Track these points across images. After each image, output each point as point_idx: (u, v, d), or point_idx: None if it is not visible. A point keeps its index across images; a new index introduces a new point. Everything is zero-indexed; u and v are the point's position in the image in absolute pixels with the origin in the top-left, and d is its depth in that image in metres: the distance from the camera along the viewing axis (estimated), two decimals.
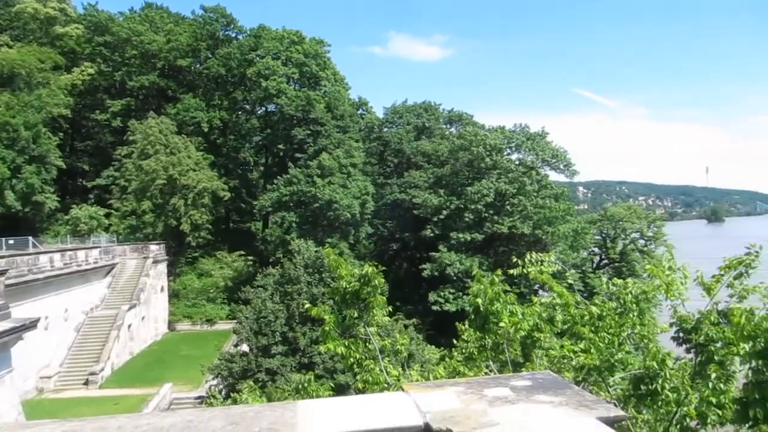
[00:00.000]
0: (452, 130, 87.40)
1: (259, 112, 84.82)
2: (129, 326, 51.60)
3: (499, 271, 9.27)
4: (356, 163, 70.38)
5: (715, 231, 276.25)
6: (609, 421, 3.05)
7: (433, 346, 38.36)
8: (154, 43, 76.86)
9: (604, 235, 69.60)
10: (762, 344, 6.18)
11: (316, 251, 39.10)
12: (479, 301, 8.53)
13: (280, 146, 79.65)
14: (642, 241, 68.24)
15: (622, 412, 3.58)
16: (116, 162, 68.17)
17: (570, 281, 10.84)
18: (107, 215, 65.65)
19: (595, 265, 69.52)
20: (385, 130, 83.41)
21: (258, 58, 76.86)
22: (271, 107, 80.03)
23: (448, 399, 3.46)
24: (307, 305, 10.83)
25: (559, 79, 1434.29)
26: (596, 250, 70.90)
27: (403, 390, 3.77)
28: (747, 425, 6.64)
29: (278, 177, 70.59)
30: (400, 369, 11.05)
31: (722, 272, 8.16)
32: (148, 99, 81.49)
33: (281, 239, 64.17)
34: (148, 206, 62.86)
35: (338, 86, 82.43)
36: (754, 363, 6.31)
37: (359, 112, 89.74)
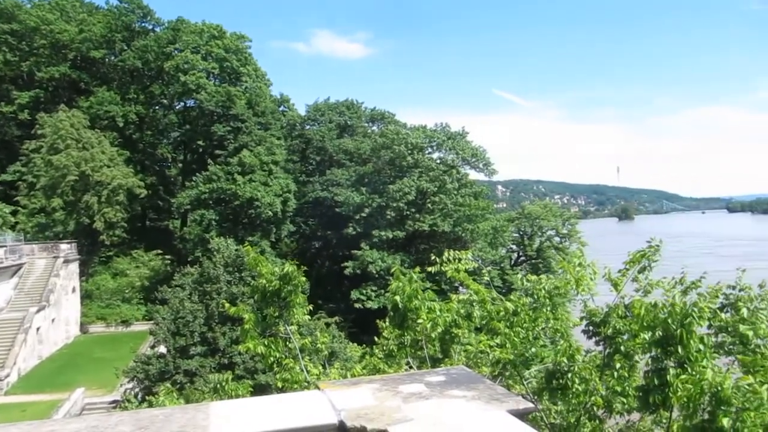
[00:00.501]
0: (374, 128, 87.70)
1: (177, 108, 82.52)
2: (38, 329, 49.15)
3: (417, 269, 9.42)
4: (278, 160, 69.57)
5: (626, 228, 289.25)
6: (518, 413, 3.16)
7: (356, 344, 38.52)
8: (65, 33, 73.32)
9: (521, 233, 71.55)
10: (660, 333, 6.53)
11: (236, 250, 38.46)
12: (398, 298, 8.64)
13: (200, 142, 77.76)
14: (557, 238, 70.60)
15: (531, 405, 3.72)
16: (23, 157, 64.73)
17: (486, 278, 11.12)
18: (13, 213, 62.25)
19: (513, 262, 71.41)
20: (308, 127, 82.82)
21: (176, 52, 74.69)
22: (190, 102, 78.01)
23: (363, 396, 3.49)
24: (227, 304, 10.68)
25: (481, 80, 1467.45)
26: (514, 247, 72.85)
27: (319, 389, 3.79)
28: (648, 411, 7.02)
29: (197, 174, 68.89)
30: (320, 367, 11.06)
31: (627, 267, 8.58)
32: (59, 91, 77.62)
33: (200, 237, 62.73)
34: (58, 203, 60.04)
35: (259, 82, 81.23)
36: (653, 351, 6.65)
37: (281, 109, 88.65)
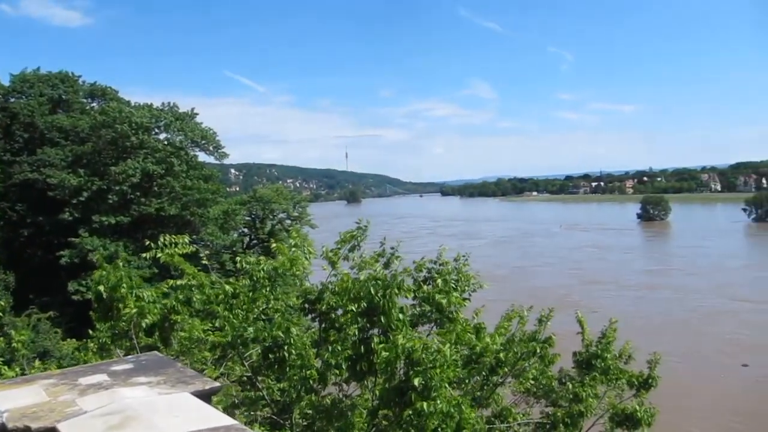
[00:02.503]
0: (94, 105, 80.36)
1: None
2: None
3: (124, 255, 8.87)
4: None
5: (354, 210, 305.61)
6: (204, 394, 3.10)
7: (74, 339, 35.24)
8: None
9: (253, 216, 71.56)
10: (365, 304, 6.97)
11: None
12: (101, 288, 8.04)
13: None
14: (288, 221, 71.99)
15: (217, 384, 3.68)
16: None
17: (205, 261, 10.87)
18: None
19: (245, 246, 71.19)
20: (13, 100, 72.91)
21: None
22: None
23: (34, 394, 3.16)
24: None
25: (211, 60, 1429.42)
26: (246, 230, 72.69)
27: None
28: (358, 379, 7.48)
29: None
30: (18, 369, 9.88)
31: (339, 246, 9.01)
32: None
33: None
34: None
35: None
36: (360, 322, 7.10)
37: None
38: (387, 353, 6.25)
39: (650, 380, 11.87)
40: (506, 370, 9.42)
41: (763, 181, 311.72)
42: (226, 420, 2.60)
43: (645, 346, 47.70)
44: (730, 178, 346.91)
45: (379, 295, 6.79)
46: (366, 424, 7.25)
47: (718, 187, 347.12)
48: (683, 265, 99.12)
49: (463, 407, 7.04)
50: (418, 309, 10.14)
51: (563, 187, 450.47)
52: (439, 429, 6.71)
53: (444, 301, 9.07)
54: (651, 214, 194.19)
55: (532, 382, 10.68)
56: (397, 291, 6.95)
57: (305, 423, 9.09)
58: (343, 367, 7.81)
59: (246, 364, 9.01)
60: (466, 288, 10.40)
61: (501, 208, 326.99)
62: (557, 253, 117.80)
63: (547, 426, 10.67)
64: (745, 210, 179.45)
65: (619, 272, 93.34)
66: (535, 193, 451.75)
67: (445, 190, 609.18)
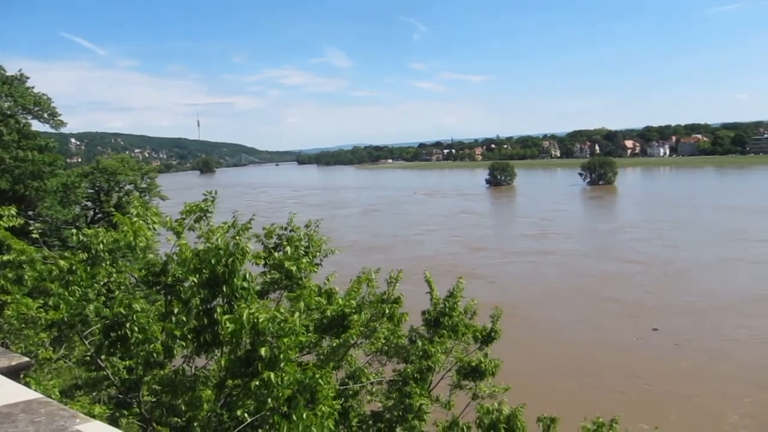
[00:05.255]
0: None
1: None
2: None
3: None
4: None
5: (207, 181, 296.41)
6: (9, 370, 2.94)
7: None
8: None
9: (97, 189, 67.25)
10: (207, 275, 6.85)
11: None
12: None
13: None
14: (137, 193, 68.40)
15: (25, 359, 3.50)
16: None
17: (35, 235, 10.16)
18: None
19: (89, 220, 66.87)
20: None
21: None
22: None
23: None
24: None
25: (45, 19, 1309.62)
26: (90, 204, 68.27)
27: None
28: (203, 351, 7.35)
29: None
30: None
31: (184, 216, 8.73)
32: None
33: None
34: None
35: None
36: (201, 293, 6.96)
37: None
38: (231, 324, 6.19)
39: (493, 333, 12.56)
40: (358, 331, 9.57)
41: (596, 147, 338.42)
42: (30, 395, 2.49)
43: (555, 314, 49.29)
44: (568, 145, 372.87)
45: (221, 264, 6.68)
46: (214, 396, 7.17)
47: (558, 154, 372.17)
48: (557, 228, 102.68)
49: (318, 378, 7.06)
50: (268, 277, 10.10)
51: (417, 155, 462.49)
52: (294, 399, 6.72)
53: (294, 268, 9.11)
54: (498, 179, 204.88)
55: (384, 341, 10.96)
56: (240, 258, 6.86)
57: (154, 400, 8.83)
58: (189, 338, 7.66)
59: (87, 343, 8.57)
60: (317, 254, 10.46)
61: (359, 176, 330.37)
62: (431, 220, 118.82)
63: (399, 383, 11.09)
64: (581, 174, 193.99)
65: (499, 238, 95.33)
66: (390, 161, 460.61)
67: (302, 158, 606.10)
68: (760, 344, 40.75)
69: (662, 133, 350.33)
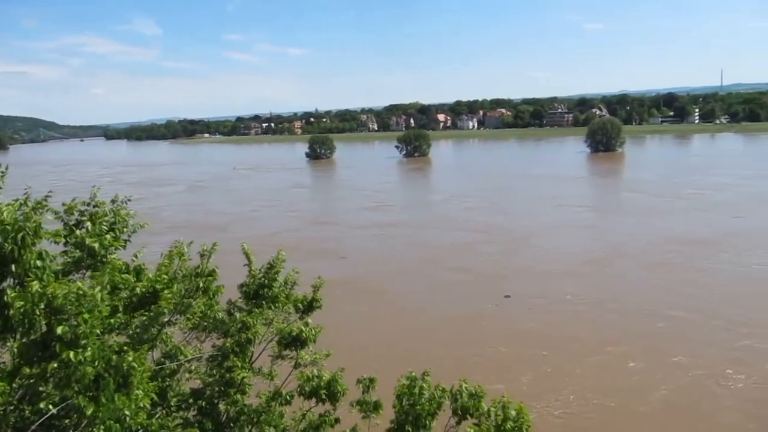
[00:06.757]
0: None
1: None
2: None
3: None
4: None
5: (2, 159, 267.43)
6: None
7: None
8: None
9: None
10: None
11: None
12: None
13: None
14: None
15: None
16: None
17: None
18: None
19: None
20: None
21: None
22: None
23: None
24: None
25: None
26: None
27: None
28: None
29: None
30: None
31: None
32: None
33: None
34: None
35: None
36: None
37: None
38: (22, 303, 5.62)
39: (314, 303, 12.56)
40: (170, 304, 9.27)
41: (411, 120, 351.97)
42: None
43: (409, 287, 50.42)
44: (385, 119, 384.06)
45: (9, 240, 6.04)
46: (8, 387, 6.49)
47: (375, 127, 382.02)
48: (392, 200, 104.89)
49: (131, 360, 6.80)
50: (69, 257, 9.37)
51: (235, 129, 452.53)
52: (103, 380, 6.38)
53: (96, 245, 8.49)
54: (318, 153, 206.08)
55: (200, 316, 10.63)
56: (31, 234, 6.25)
57: None
58: None
59: None
60: (125, 230, 9.85)
61: (174, 152, 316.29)
62: (264, 195, 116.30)
63: (219, 358, 10.84)
64: (397, 147, 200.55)
65: (339, 212, 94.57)
66: (207, 135, 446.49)
67: (110, 133, 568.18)
68: (598, 304, 44.49)
69: (470, 108, 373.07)
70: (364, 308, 45.89)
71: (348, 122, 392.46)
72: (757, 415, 28.70)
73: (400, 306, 46.43)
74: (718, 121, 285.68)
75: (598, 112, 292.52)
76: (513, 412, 10.42)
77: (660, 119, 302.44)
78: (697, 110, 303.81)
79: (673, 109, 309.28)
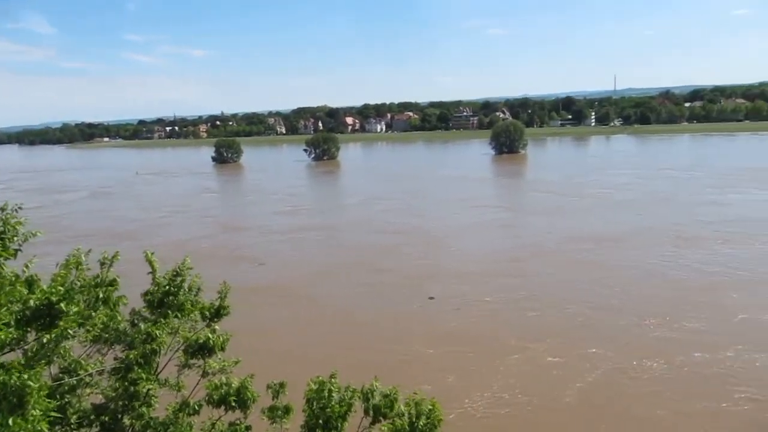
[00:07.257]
0: None
1: None
2: None
3: None
4: None
5: None
6: None
7: None
8: None
9: None
10: None
11: None
12: None
13: None
14: None
15: None
16: None
17: None
18: None
19: None
20: None
21: None
22: None
23: None
24: None
25: None
26: None
27: None
28: None
29: None
30: None
31: None
32: None
33: None
34: None
35: None
36: None
37: None
38: None
39: (222, 310, 12.05)
40: (75, 322, 8.71)
41: (320, 124, 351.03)
42: None
43: (333, 290, 49.87)
44: (293, 122, 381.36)
45: None
46: None
47: (283, 130, 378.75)
48: (307, 203, 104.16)
49: (26, 378, 6.53)
50: None
51: (137, 132, 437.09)
52: None
53: None
54: (225, 157, 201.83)
55: (101, 328, 10.09)
56: None
57: None
58: None
59: None
60: (14, 238, 8.77)
61: (72, 157, 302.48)
62: (173, 201, 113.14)
63: (122, 370, 10.35)
64: (306, 150, 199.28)
65: (253, 217, 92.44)
66: (106, 139, 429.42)
67: None
68: (517, 302, 45.47)
69: (378, 111, 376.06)
70: (285, 313, 45.50)
71: (255, 125, 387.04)
72: (667, 401, 29.91)
73: (322, 310, 46.12)
74: (612, 124, 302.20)
75: (501, 115, 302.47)
76: (426, 408, 10.53)
77: (559, 122, 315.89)
78: (593, 113, 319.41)
79: (572, 112, 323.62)
